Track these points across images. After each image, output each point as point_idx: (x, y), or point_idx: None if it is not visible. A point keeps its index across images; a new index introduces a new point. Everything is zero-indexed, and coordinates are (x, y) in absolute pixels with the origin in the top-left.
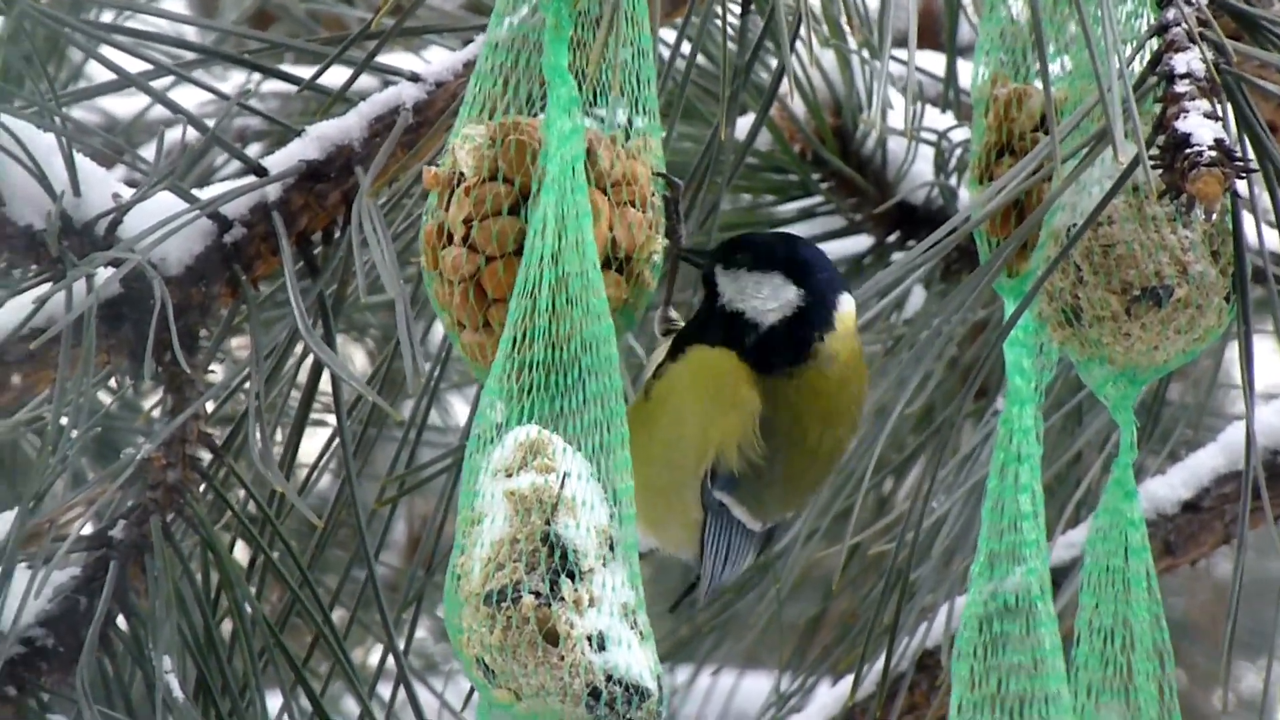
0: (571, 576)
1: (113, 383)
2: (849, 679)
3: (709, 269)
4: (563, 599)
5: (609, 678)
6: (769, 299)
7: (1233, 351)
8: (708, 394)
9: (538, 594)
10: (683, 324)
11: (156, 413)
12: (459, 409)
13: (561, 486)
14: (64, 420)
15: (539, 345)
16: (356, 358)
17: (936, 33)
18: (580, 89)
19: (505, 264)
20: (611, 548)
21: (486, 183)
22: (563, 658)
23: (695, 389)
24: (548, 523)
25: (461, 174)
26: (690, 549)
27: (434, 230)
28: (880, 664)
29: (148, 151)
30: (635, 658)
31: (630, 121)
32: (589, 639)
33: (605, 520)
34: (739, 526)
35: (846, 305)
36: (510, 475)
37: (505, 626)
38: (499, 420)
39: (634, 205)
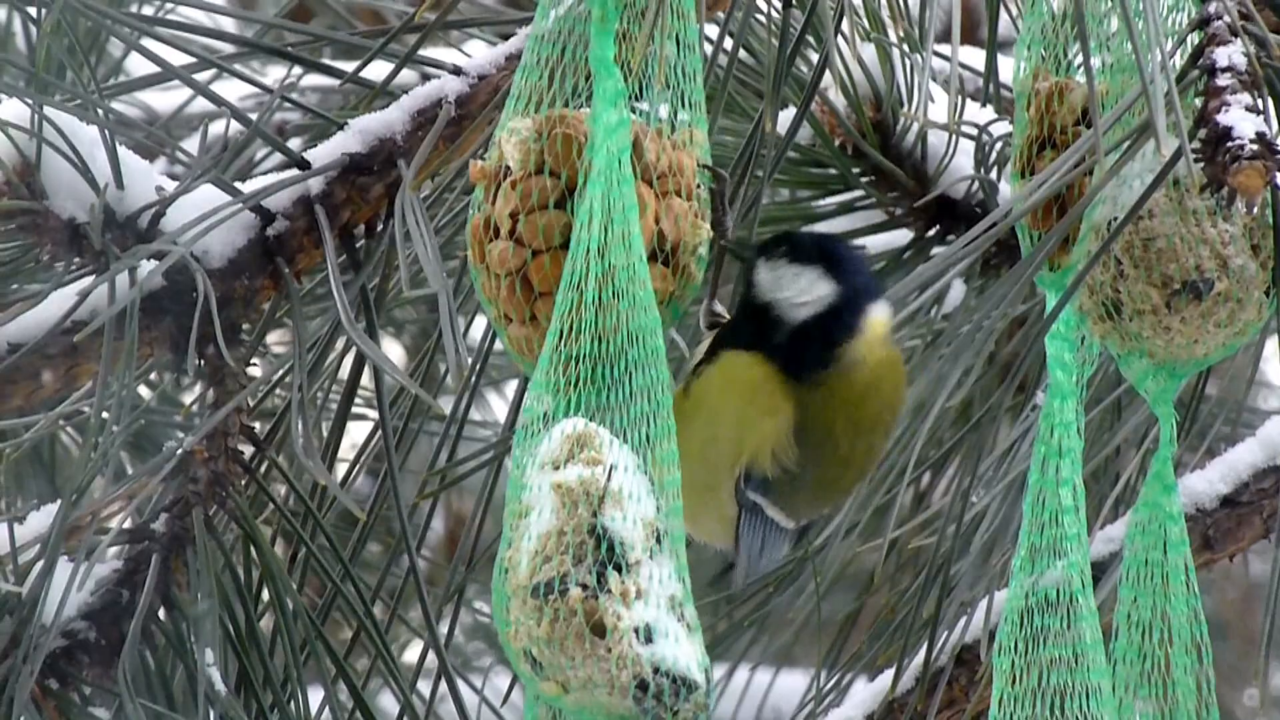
0: (618, 569)
1: (153, 376)
2: (887, 674)
3: (753, 261)
4: (610, 591)
5: (656, 670)
6: (802, 292)
7: (1271, 347)
8: (743, 400)
9: (585, 586)
10: (727, 318)
11: (196, 406)
12: (498, 405)
13: (608, 479)
14: (105, 414)
15: (585, 338)
16: (393, 355)
17: (976, 27)
18: (625, 81)
19: (552, 258)
20: (659, 540)
21: (532, 176)
22: (610, 650)
23: (730, 395)
24: (595, 515)
25: (508, 168)
26: (725, 542)
27: (480, 224)
28: (919, 659)
29: (189, 145)
30: (682, 650)
31: (675, 114)
32: (636, 631)
33: (652, 513)
34: (773, 524)
35: (879, 312)
36: (557, 468)
37: (553, 619)
38: (546, 413)
39: (679, 195)
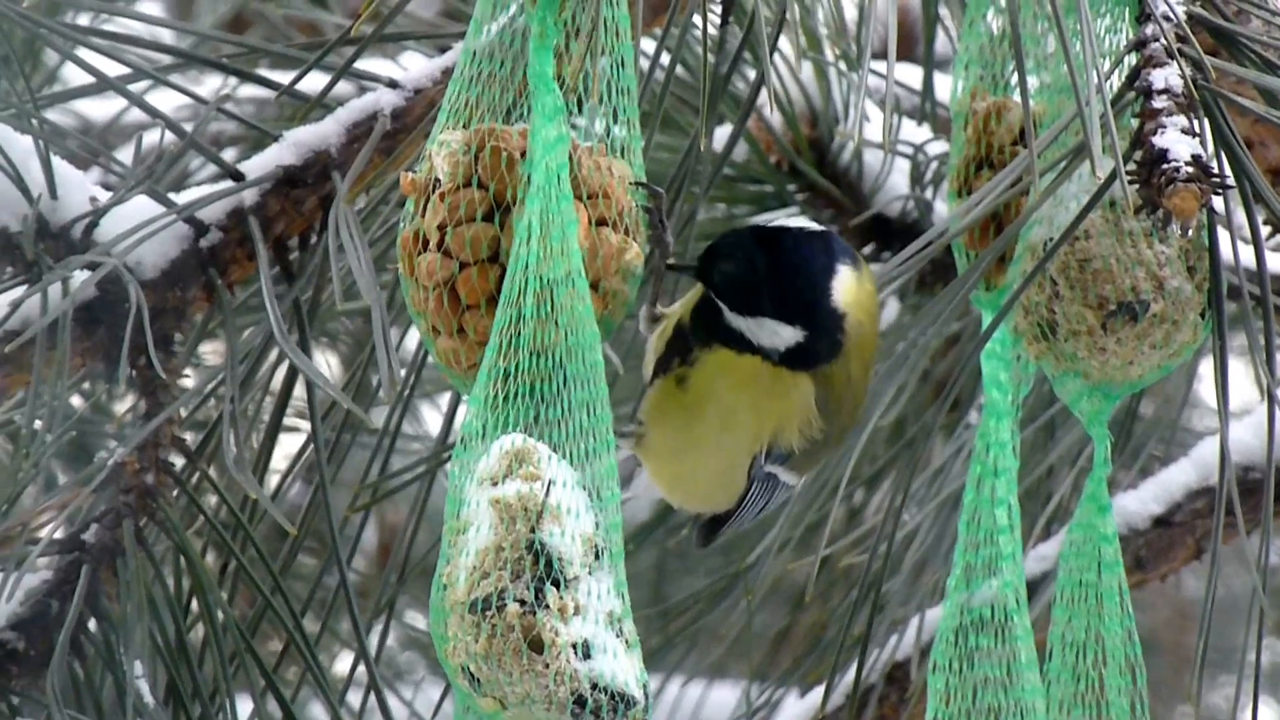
0: (556, 584)
1: (85, 387)
2: (818, 690)
3: (705, 280)
4: (547, 607)
5: (594, 685)
6: (774, 337)
7: (1205, 368)
8: (759, 389)
9: (522, 602)
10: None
11: (128, 418)
12: (431, 418)
13: (546, 494)
14: (37, 424)
15: (523, 353)
16: (326, 367)
17: (913, 45)
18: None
19: (479, 270)
20: (598, 555)
21: (461, 189)
22: (547, 665)
23: (741, 385)
24: (533, 530)
25: (438, 180)
26: (724, 508)
27: (410, 236)
28: (850, 676)
29: (124, 155)
30: (621, 665)
31: (609, 131)
32: (574, 647)
33: (591, 528)
34: (781, 485)
35: (844, 278)
36: (495, 483)
37: (490, 635)
38: (484, 428)
39: (606, 223)
